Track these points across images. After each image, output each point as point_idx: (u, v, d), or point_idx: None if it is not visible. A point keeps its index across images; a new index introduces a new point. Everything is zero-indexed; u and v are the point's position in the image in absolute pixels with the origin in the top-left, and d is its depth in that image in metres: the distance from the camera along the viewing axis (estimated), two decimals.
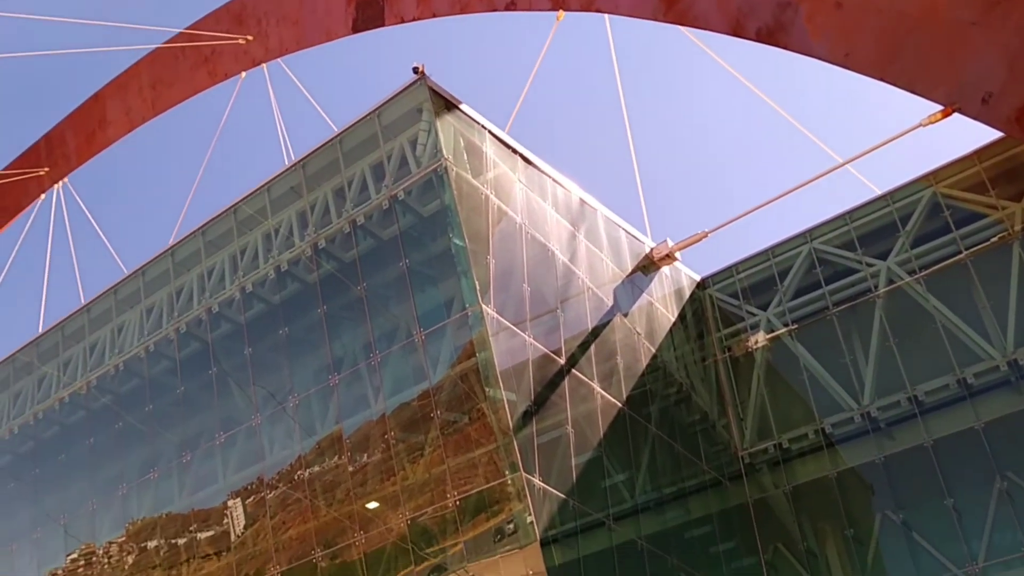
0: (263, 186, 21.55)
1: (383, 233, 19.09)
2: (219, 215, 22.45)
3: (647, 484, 20.88)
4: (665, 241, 24.69)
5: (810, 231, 25.20)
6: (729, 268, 26.46)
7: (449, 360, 17.52)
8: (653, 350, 23.06)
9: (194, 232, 23.01)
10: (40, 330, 27.17)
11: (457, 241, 17.53)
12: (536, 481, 16.12)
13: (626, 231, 24.09)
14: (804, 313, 24.57)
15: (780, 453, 23.67)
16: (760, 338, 24.95)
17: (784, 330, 24.61)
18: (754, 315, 25.39)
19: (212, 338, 22.02)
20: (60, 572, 23.34)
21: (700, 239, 24.31)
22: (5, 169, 32.51)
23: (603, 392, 19.70)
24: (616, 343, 21.38)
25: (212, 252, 22.63)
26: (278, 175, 21.38)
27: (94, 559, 22.63)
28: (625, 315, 22.30)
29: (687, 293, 26.17)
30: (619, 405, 20.18)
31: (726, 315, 26.09)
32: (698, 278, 26.82)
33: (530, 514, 15.64)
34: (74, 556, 23.28)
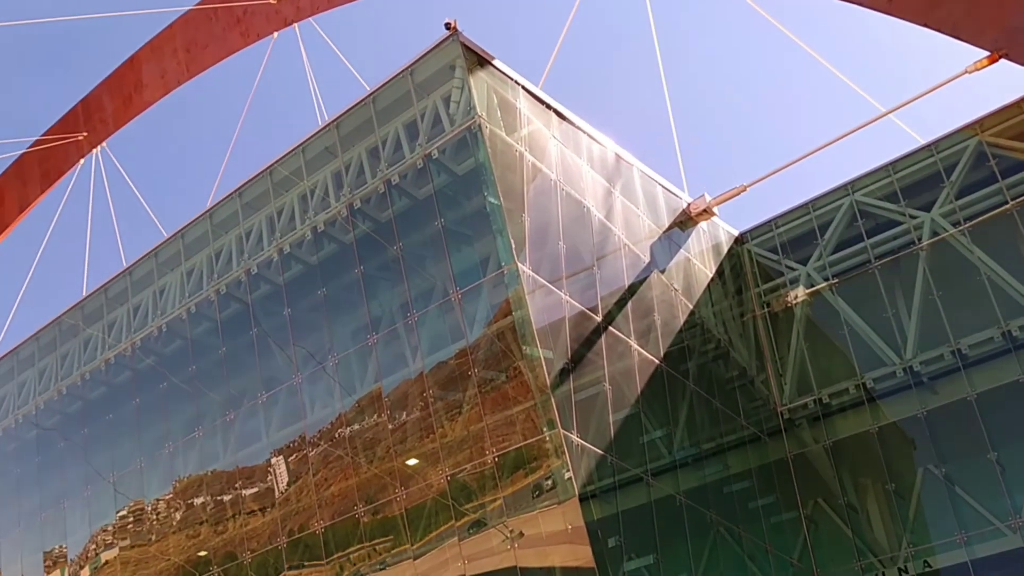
0: (298, 147, 21.58)
1: (418, 192, 19.06)
2: (255, 177, 22.55)
3: (685, 440, 20.88)
4: (702, 196, 24.37)
5: (851, 183, 24.72)
6: (768, 222, 26.09)
7: (486, 319, 17.54)
8: (691, 306, 22.90)
9: (231, 194, 23.16)
10: (84, 293, 27.69)
11: (492, 199, 17.44)
12: (574, 437, 16.18)
13: (663, 186, 23.82)
14: (845, 267, 24.21)
15: (820, 408, 23.51)
16: (800, 293, 24.66)
17: (824, 284, 24.29)
18: (794, 270, 25.07)
19: (252, 299, 22.27)
20: (111, 528, 24.02)
21: (738, 193, 23.97)
22: (44, 135, 32.93)
23: (640, 349, 19.64)
24: (653, 300, 21.26)
25: (249, 214, 22.79)
26: (312, 136, 21.38)
27: (143, 516, 23.26)
28: (662, 271, 22.13)
29: (725, 248, 25.89)
30: (656, 362, 20.12)
31: (765, 270, 25.80)
32: (736, 233, 26.50)
33: (568, 470, 15.72)
34: (123, 513, 23.93)
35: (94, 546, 24.29)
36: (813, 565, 22.35)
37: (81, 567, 24.43)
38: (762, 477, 23.07)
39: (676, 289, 22.46)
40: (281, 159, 21.94)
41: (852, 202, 24.48)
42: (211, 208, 23.68)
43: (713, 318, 24.33)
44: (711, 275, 24.60)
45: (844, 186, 24.79)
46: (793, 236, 25.53)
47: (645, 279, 21.32)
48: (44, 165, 34.10)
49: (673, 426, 20.48)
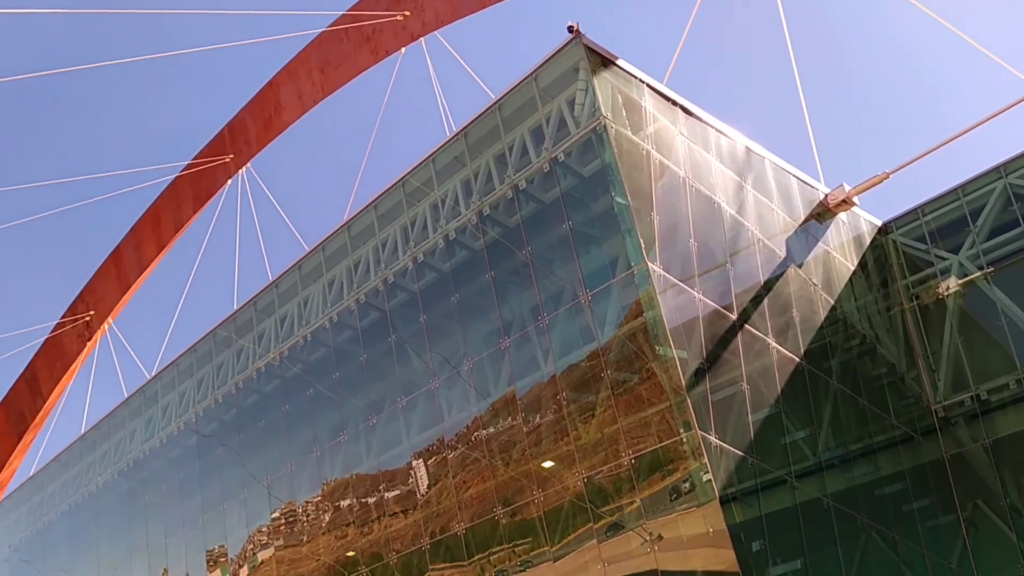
0: (428, 158, 22.12)
1: (545, 196, 19.16)
2: (388, 189, 23.26)
3: (831, 441, 20.08)
4: (841, 186, 23.39)
5: (1004, 165, 23.12)
6: (914, 210, 24.74)
7: (616, 320, 17.43)
8: (832, 301, 22.02)
9: (367, 207, 23.97)
10: (235, 306, 29.28)
11: (619, 199, 17.33)
12: (712, 439, 15.85)
13: (797, 178, 23.01)
14: (1000, 254, 22.67)
15: (978, 405, 22.11)
16: (952, 283, 23.27)
17: (979, 274, 22.83)
18: (944, 259, 23.67)
19: (389, 307, 22.95)
20: (266, 529, 25.25)
21: (880, 181, 22.87)
22: (195, 159, 35.05)
23: (779, 347, 19.04)
24: (791, 295, 20.56)
25: (384, 225, 23.51)
26: (441, 146, 21.86)
27: (295, 517, 24.34)
28: (800, 266, 21.38)
29: (867, 240, 24.75)
30: (797, 360, 19.45)
31: (912, 261, 24.48)
32: (879, 223, 25.27)
33: (707, 472, 15.42)
34: (276, 515, 25.11)
35: (251, 546, 25.60)
36: (974, 570, 21.03)
37: (240, 566, 25.80)
38: (916, 479, 21.90)
39: (815, 284, 21.65)
40: (412, 170, 22.53)
41: (1006, 185, 22.90)
42: (348, 221, 24.58)
43: (857, 313, 23.30)
44: (853, 268, 23.56)
45: (996, 168, 23.21)
46: (942, 224, 24.12)
47: (782, 274, 20.65)
48: (195, 187, 36.29)
49: (817, 426, 19.73)
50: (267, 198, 34.02)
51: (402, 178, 22.81)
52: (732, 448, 16.28)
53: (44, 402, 57.00)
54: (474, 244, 20.70)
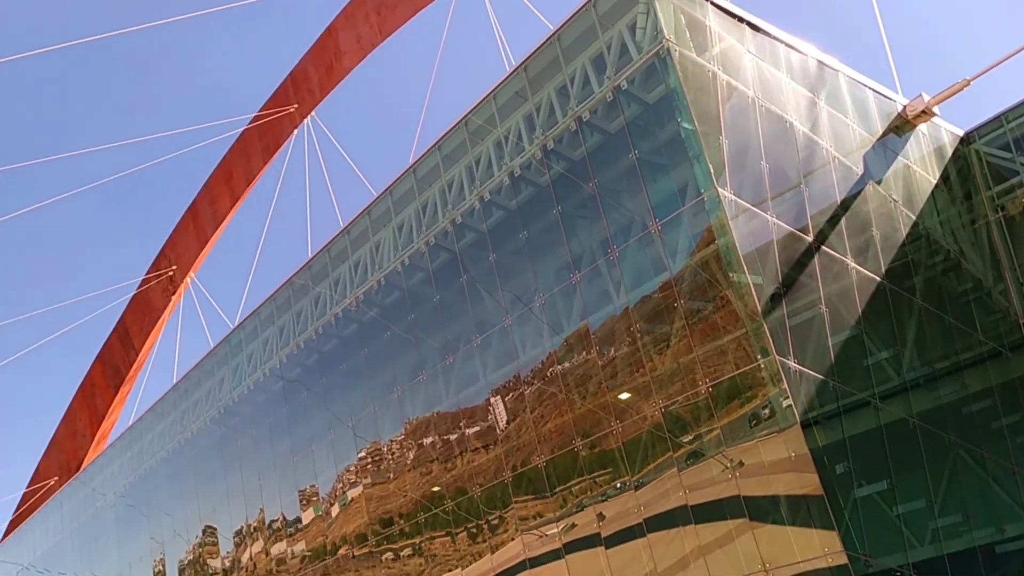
0: (489, 95, 21.89)
1: (609, 126, 18.82)
2: (452, 129, 23.16)
3: (915, 360, 19.60)
4: (920, 96, 22.38)
5: None
6: (997, 118, 23.54)
7: (688, 249, 17.19)
8: (913, 217, 21.27)
9: (431, 148, 23.95)
10: (309, 254, 29.83)
11: (686, 125, 16.92)
12: (791, 363, 15.64)
13: (873, 90, 22.07)
14: None
15: None
16: None
17: None
18: None
19: (459, 248, 23.06)
20: (353, 468, 26.07)
21: (961, 89, 21.81)
22: (261, 111, 35.46)
23: (858, 267, 18.54)
24: (870, 213, 19.93)
25: (449, 165, 23.49)
26: (502, 82, 21.59)
27: (380, 456, 25.04)
28: (878, 182, 20.65)
29: (949, 151, 23.71)
30: (877, 279, 18.93)
31: (997, 171, 23.41)
32: (961, 133, 24.16)
33: (787, 397, 15.26)
34: (363, 454, 25.87)
35: (341, 484, 26.50)
36: None
37: (331, 504, 26.76)
38: (1005, 395, 21.29)
39: (895, 200, 20.92)
40: (474, 109, 22.35)
41: None
42: (414, 164, 24.63)
43: (940, 228, 22.48)
44: (935, 182, 22.66)
45: None
46: None
47: (859, 192, 20.00)
48: (263, 139, 36.82)
49: (900, 346, 19.26)
50: (333, 146, 34.33)
51: (464, 117, 22.68)
52: (812, 372, 16.04)
53: (136, 355, 59.48)
54: (539, 180, 20.55)
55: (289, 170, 36.22)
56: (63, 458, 61.06)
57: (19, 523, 56.32)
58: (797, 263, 17.36)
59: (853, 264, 18.46)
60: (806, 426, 15.22)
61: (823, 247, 18.00)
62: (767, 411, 15.62)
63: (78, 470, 53.16)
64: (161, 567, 36.39)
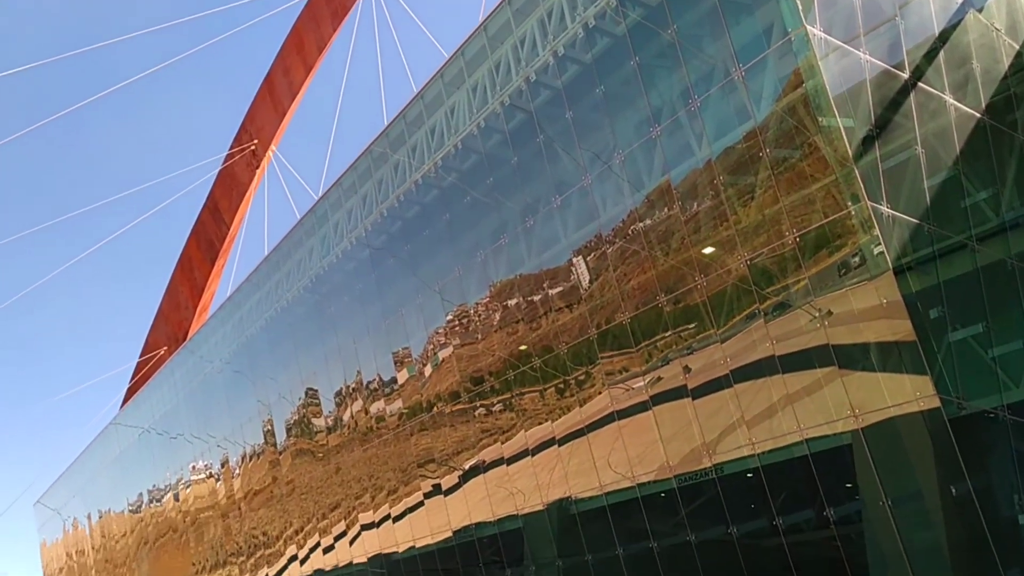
0: None
1: None
2: None
3: (1014, 199, 18.69)
4: None
5: None
6: None
7: (774, 94, 16.45)
8: (1016, 47, 19.80)
9: (501, 3, 23.19)
10: (385, 122, 29.75)
11: None
12: (883, 208, 15.11)
13: None
14: None
15: None
16: None
17: None
18: None
19: (534, 107, 22.63)
20: (442, 330, 26.82)
21: None
22: None
23: (957, 104, 17.51)
24: (970, 45, 18.62)
25: (521, 20, 22.75)
26: None
27: (467, 318, 25.64)
28: (979, 10, 19.17)
29: None
30: (977, 116, 17.89)
31: None
32: None
33: (878, 244, 14.83)
34: (450, 317, 26.52)
35: (431, 346, 27.36)
36: None
37: (424, 364, 27.74)
38: None
39: (998, 29, 19.45)
40: None
41: None
42: (484, 21, 23.94)
43: None
44: None
45: None
46: None
47: (959, 22, 18.63)
48: (331, 4, 36.17)
49: (999, 185, 18.35)
50: (402, 8, 33.53)
51: None
52: (905, 216, 15.50)
53: (228, 229, 61.44)
54: (615, 30, 19.74)
55: (360, 37, 35.70)
56: (170, 329, 64.60)
57: (135, 391, 60.45)
58: (891, 103, 16.48)
59: (951, 100, 17.44)
60: (899, 272, 14.85)
61: (919, 84, 17.01)
62: (857, 259, 15.25)
63: (184, 340, 56.26)
64: (269, 427, 38.76)
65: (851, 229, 15.24)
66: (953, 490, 14.16)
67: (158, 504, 53.19)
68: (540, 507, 22.62)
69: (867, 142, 15.61)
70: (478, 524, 25.07)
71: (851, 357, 15.44)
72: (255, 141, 58.07)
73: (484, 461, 24.71)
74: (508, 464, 23.76)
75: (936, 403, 14.29)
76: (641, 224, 19.37)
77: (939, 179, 16.83)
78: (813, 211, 15.72)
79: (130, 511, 58.23)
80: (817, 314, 15.65)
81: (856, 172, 14.99)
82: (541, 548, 22.89)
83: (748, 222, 16.89)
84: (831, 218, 15.43)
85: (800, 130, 15.85)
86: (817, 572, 16.50)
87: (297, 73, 52.43)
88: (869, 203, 14.88)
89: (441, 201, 26.92)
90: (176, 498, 50.17)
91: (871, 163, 15.42)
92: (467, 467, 25.45)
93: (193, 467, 47.69)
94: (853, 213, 15.12)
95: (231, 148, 60.50)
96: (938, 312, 15.71)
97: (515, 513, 23.58)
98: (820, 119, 15.46)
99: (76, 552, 70.79)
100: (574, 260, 21.40)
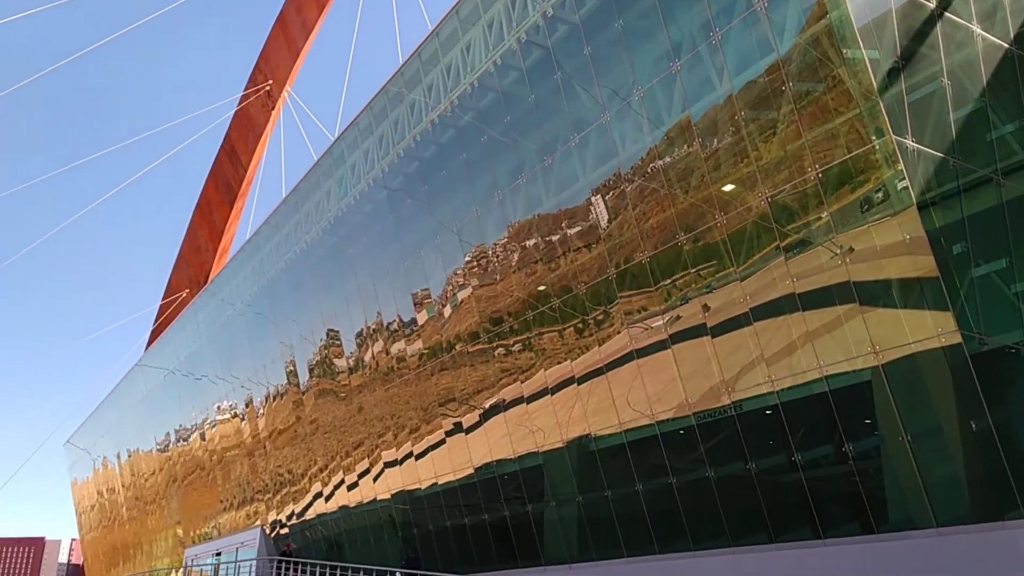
0: None
1: None
2: None
3: None
4: None
5: None
6: None
7: (797, 26, 16.08)
8: None
9: None
10: (400, 60, 29.38)
11: None
12: (908, 142, 14.86)
13: None
14: None
15: None
16: None
17: None
18: None
19: (552, 42, 22.26)
20: (461, 271, 26.85)
21: None
22: None
23: (984, 34, 17.05)
24: None
25: None
26: None
27: (486, 259, 25.63)
28: None
29: None
30: (1005, 46, 17.41)
31: None
32: None
33: (903, 179, 14.63)
34: (468, 258, 26.52)
35: (450, 287, 27.44)
36: None
37: (443, 305, 27.87)
38: None
39: None
40: None
41: None
42: None
43: None
44: None
45: None
46: None
47: None
48: None
49: None
50: None
51: None
52: (930, 150, 15.24)
53: (245, 172, 61.37)
54: None
55: None
56: (191, 272, 65.16)
57: (159, 333, 61.25)
58: (917, 33, 16.07)
59: (979, 31, 16.98)
60: (922, 207, 14.67)
61: (946, 14, 16.54)
62: (880, 195, 15.07)
63: (206, 282, 56.77)
64: (292, 367, 39.26)
65: (875, 164, 15.02)
66: (973, 425, 14.17)
67: (185, 443, 54.33)
68: (560, 444, 22.90)
69: (892, 74, 15.29)
70: (499, 461, 25.45)
71: (872, 294, 15.36)
72: (270, 81, 57.60)
73: (504, 400, 24.97)
74: (528, 403, 24.00)
75: (957, 339, 14.23)
76: (660, 162, 19.17)
77: (965, 112, 16.49)
78: (836, 146, 15.49)
79: (158, 450, 59.55)
80: (839, 251, 15.53)
81: (881, 105, 14.71)
82: (561, 484, 23.25)
83: (769, 158, 16.67)
84: (854, 153, 15.20)
85: (824, 63, 15.52)
86: (835, 506, 16.67)
87: (310, 11, 51.79)
88: (894, 137, 14.64)
89: (458, 141, 26.73)
90: (202, 437, 51.20)
91: (896, 96, 15.12)
92: (487, 406, 25.73)
93: (218, 407, 48.56)
94: (877, 147, 14.89)
95: (246, 89, 60.06)
96: (961, 247, 15.54)
97: (535, 450, 23.90)
98: (844, 51, 15.13)
99: (107, 490, 72.69)
100: (593, 199, 21.26)
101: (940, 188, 15.40)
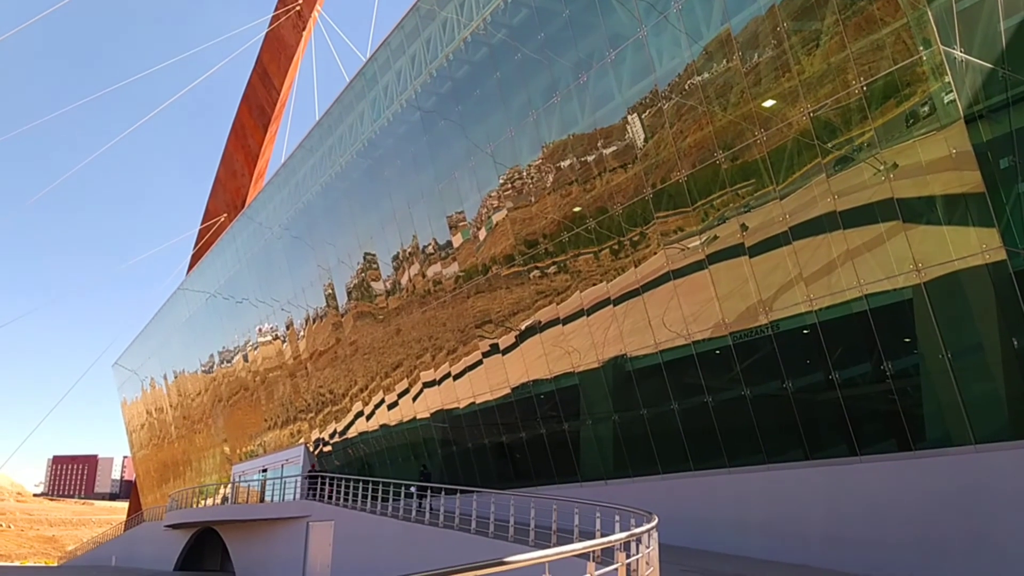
0: None
1: None
2: None
3: None
4: None
5: None
6: None
7: None
8: None
9: None
10: None
11: None
12: (956, 53, 14.33)
13: None
14: None
15: None
16: None
17: None
18: None
19: None
20: (495, 194, 26.72)
21: None
22: None
23: None
24: None
25: None
26: None
27: (521, 180, 25.44)
28: None
29: None
30: None
31: None
32: None
33: (950, 91, 14.16)
34: (503, 180, 26.34)
35: (485, 210, 27.36)
36: None
37: (478, 228, 27.85)
38: None
39: None
40: None
41: None
42: None
43: None
44: None
45: None
46: None
47: None
48: None
49: None
50: None
51: None
52: (979, 61, 14.69)
53: (278, 95, 61.12)
54: None
55: None
56: (228, 196, 65.62)
57: (200, 257, 62.14)
58: None
59: None
60: (970, 120, 14.23)
61: None
62: (926, 108, 14.62)
63: (243, 207, 57.21)
64: (331, 290, 39.74)
65: (922, 76, 14.54)
66: (1015, 342, 14.00)
67: (229, 364, 55.62)
68: (596, 365, 23.07)
69: None
70: (535, 381, 25.74)
71: (916, 210, 15.05)
72: (300, 1, 56.79)
73: (540, 321, 25.11)
74: (564, 324, 24.11)
75: (1002, 255, 13.96)
76: (699, 78, 18.72)
77: (1016, 21, 15.80)
78: (881, 58, 14.99)
79: (203, 371, 61.08)
80: (882, 167, 15.19)
81: (929, 14, 14.17)
82: (597, 403, 23.51)
83: (812, 72, 16.20)
84: (900, 64, 14.71)
85: None
86: (871, 424, 16.70)
87: None
88: (942, 47, 14.13)
89: (491, 59, 26.29)
90: (245, 359, 52.35)
91: (945, 4, 14.53)
92: (523, 327, 25.91)
93: (259, 330, 49.49)
94: (924, 59, 14.38)
95: (276, 9, 59.28)
96: (1008, 162, 15.09)
97: (571, 371, 24.11)
98: None
99: (155, 409, 75.01)
100: (629, 118, 20.90)
101: (988, 101, 14.90)
